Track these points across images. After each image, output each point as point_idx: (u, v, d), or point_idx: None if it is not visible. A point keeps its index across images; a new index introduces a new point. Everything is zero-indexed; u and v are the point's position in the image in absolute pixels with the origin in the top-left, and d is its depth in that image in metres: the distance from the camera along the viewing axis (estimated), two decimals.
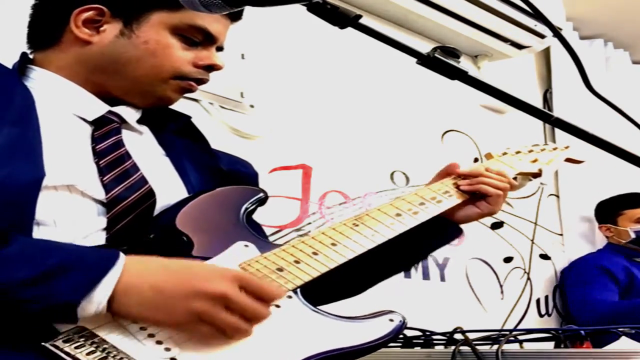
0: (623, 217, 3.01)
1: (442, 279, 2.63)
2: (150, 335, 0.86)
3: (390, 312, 1.02)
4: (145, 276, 0.87)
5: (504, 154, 1.48)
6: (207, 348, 0.87)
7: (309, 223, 2.23)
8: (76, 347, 0.81)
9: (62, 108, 1.09)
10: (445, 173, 1.37)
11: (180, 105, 1.98)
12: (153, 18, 1.12)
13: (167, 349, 0.85)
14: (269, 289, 0.93)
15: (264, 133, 2.19)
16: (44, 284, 0.82)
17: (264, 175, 2.17)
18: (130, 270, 0.87)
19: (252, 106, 2.18)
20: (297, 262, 1.02)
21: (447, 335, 1.51)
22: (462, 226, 1.39)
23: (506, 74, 3.02)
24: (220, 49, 1.20)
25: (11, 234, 0.87)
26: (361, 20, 0.87)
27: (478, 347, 1.39)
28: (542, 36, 2.80)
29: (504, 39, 2.78)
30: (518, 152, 1.49)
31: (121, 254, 0.88)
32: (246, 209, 1.13)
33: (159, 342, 0.86)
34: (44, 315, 0.83)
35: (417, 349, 1.54)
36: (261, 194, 1.18)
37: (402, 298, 2.40)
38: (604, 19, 3.34)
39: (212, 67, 1.18)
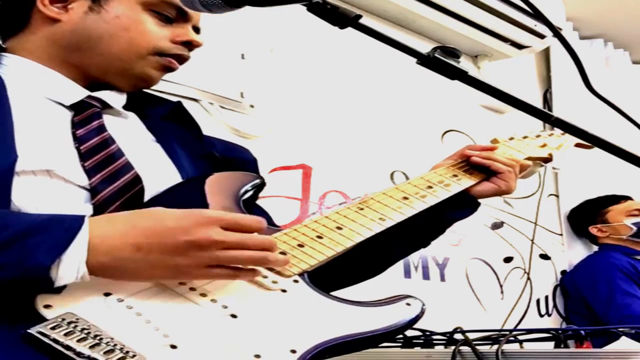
0: (611, 213, 3.01)
1: (442, 279, 2.62)
2: (135, 311, 0.81)
3: (408, 296, 0.97)
4: (125, 239, 0.82)
5: (511, 138, 1.46)
6: (210, 334, 0.83)
7: None
8: (65, 334, 0.75)
9: (35, 92, 1.05)
10: (459, 155, 1.36)
11: None
12: None
13: (166, 335, 0.80)
14: (248, 219, 0.88)
15: (264, 133, 2.19)
16: (11, 249, 0.78)
17: (264, 175, 2.17)
18: (102, 230, 0.82)
19: (252, 106, 2.18)
20: (301, 245, 0.99)
21: (447, 335, 1.51)
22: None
23: (506, 74, 3.02)
24: (196, 30, 1.17)
25: None
26: (361, 20, 0.88)
27: (478, 347, 1.39)
28: (542, 36, 2.80)
29: (504, 39, 2.78)
30: (525, 137, 1.47)
31: (87, 218, 0.83)
32: (243, 194, 1.09)
33: (148, 322, 0.81)
34: (18, 283, 0.78)
35: (417, 349, 1.54)
36: (257, 180, 1.14)
37: None
38: (604, 19, 3.34)
39: (190, 44, 1.15)
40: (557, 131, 1.50)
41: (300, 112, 2.32)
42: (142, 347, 0.77)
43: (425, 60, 0.89)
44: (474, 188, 1.31)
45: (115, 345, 0.76)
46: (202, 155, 1.18)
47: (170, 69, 1.15)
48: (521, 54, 2.92)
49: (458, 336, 1.47)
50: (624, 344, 1.41)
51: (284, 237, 1.00)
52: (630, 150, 0.90)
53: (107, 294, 0.83)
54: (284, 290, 0.92)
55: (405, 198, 1.18)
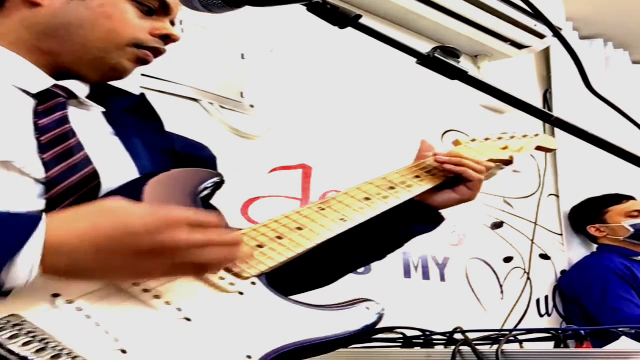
0: (611, 214, 3.00)
1: (442, 279, 2.62)
2: (84, 314, 0.78)
3: (367, 300, 0.95)
4: (84, 241, 0.78)
5: (473, 140, 1.45)
6: (162, 338, 0.79)
7: None
8: (9, 337, 0.71)
9: (3, 81, 1.01)
10: (420, 156, 1.33)
11: (180, 105, 1.99)
12: None
13: (116, 340, 0.77)
14: (212, 217, 0.86)
15: (264, 133, 2.19)
16: None
17: (264, 175, 2.17)
18: (60, 230, 0.78)
19: (252, 106, 2.17)
20: (260, 246, 0.96)
21: (447, 335, 1.51)
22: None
23: (506, 74, 3.02)
24: (172, 23, 1.16)
25: None
26: (361, 20, 0.88)
27: (478, 347, 1.39)
28: (542, 36, 2.80)
29: (504, 39, 2.78)
30: (487, 139, 1.46)
31: (44, 217, 0.79)
32: (201, 191, 1.04)
33: (97, 325, 0.77)
34: None
35: (417, 349, 1.54)
36: (217, 178, 1.09)
37: (402, 298, 2.40)
38: (604, 19, 3.34)
39: (168, 37, 1.13)
40: (519, 133, 1.49)
41: (300, 112, 2.32)
42: (90, 352, 0.74)
43: (425, 60, 0.89)
44: (436, 199, 1.29)
45: (62, 350, 0.73)
46: (163, 150, 1.15)
47: (145, 61, 1.12)
48: (521, 54, 2.92)
49: (458, 336, 1.47)
50: (624, 344, 1.41)
51: (243, 238, 0.97)
52: (630, 150, 0.90)
53: (55, 295, 0.80)
54: (241, 293, 0.90)
55: (367, 199, 1.16)
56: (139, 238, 0.80)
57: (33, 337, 0.72)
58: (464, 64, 0.89)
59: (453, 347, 1.42)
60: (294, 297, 0.93)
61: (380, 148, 2.51)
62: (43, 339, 0.73)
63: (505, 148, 1.43)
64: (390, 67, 2.49)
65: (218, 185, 1.09)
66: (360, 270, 2.30)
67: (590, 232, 3.07)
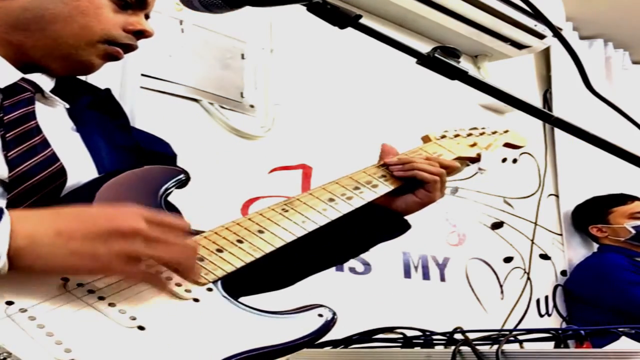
0: (614, 214, 2.99)
1: (442, 279, 2.62)
2: (37, 323, 0.77)
3: (320, 306, 0.93)
4: (45, 224, 0.79)
5: (443, 137, 1.41)
6: (114, 348, 0.78)
7: None
8: None
9: None
10: (382, 156, 1.30)
11: (180, 105, 1.99)
12: None
13: (59, 342, 0.75)
14: (175, 219, 0.86)
15: (264, 133, 2.19)
16: None
17: (264, 175, 2.17)
18: (22, 218, 0.78)
19: (252, 106, 2.18)
20: (219, 250, 0.95)
21: (447, 335, 1.51)
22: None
23: (506, 74, 3.02)
24: (147, 17, 1.13)
25: None
26: (361, 20, 0.88)
27: (478, 347, 1.39)
28: (542, 36, 2.80)
29: (504, 39, 2.78)
30: (457, 136, 1.43)
31: (5, 210, 0.78)
32: (165, 190, 1.02)
33: (49, 335, 0.76)
34: None
35: (417, 349, 1.54)
36: (182, 175, 1.06)
37: (402, 298, 2.40)
38: (604, 19, 3.34)
39: (141, 33, 1.09)
40: (488, 130, 1.46)
41: (300, 112, 2.32)
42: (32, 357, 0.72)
43: (425, 60, 0.89)
44: (399, 205, 1.25)
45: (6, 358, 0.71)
46: (125, 147, 1.12)
47: (115, 57, 1.09)
48: (521, 54, 2.92)
49: (458, 336, 1.47)
50: (624, 344, 1.41)
51: (203, 241, 0.96)
52: (630, 150, 0.90)
53: (9, 303, 0.78)
54: (196, 300, 0.89)
55: (331, 200, 1.14)
56: (96, 221, 0.80)
57: None
58: (464, 64, 0.89)
59: (453, 347, 1.41)
60: (248, 302, 0.93)
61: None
62: None
63: (473, 145, 1.41)
64: (390, 67, 2.49)
65: (182, 184, 1.06)
66: (360, 270, 2.30)
67: (592, 232, 3.06)
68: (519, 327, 2.78)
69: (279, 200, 1.13)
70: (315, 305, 0.93)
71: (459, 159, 1.36)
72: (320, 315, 0.92)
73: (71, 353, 0.75)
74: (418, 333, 1.57)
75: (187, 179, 1.06)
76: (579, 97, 2.98)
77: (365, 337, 1.67)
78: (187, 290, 0.89)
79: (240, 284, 0.96)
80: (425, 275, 2.57)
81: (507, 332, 1.46)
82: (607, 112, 1.00)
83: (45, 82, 1.06)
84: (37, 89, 1.03)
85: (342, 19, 0.87)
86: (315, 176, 2.29)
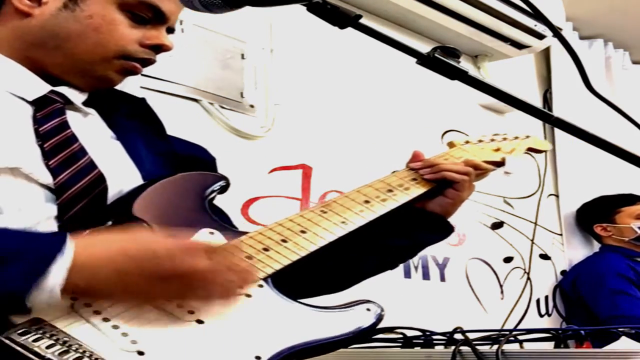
0: (621, 214, 2.99)
1: (442, 279, 2.62)
2: (106, 320, 0.81)
3: (367, 301, 0.97)
4: (105, 259, 0.81)
5: (467, 142, 1.46)
6: (177, 340, 0.83)
7: None
8: (34, 340, 0.74)
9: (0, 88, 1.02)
10: (411, 161, 1.34)
11: (180, 105, 1.99)
12: None
13: (134, 342, 0.80)
14: (240, 264, 0.89)
15: (264, 133, 2.19)
16: None
17: (264, 175, 2.17)
18: (84, 255, 0.80)
19: (252, 106, 2.18)
20: (266, 249, 0.98)
21: (447, 335, 1.51)
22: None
23: (506, 74, 3.02)
24: (170, 30, 1.14)
25: None
26: (361, 20, 0.87)
27: (478, 347, 1.39)
28: (542, 36, 2.80)
29: (504, 39, 2.78)
30: (480, 141, 1.47)
31: (69, 238, 0.81)
32: (208, 195, 1.07)
33: (115, 327, 0.81)
34: None
35: (417, 349, 1.54)
36: (223, 181, 1.11)
37: (402, 298, 2.40)
38: (604, 19, 3.34)
39: (159, 48, 1.10)
40: (511, 135, 1.50)
41: (300, 112, 2.32)
42: (109, 353, 0.77)
43: (425, 60, 0.89)
44: (434, 207, 1.27)
45: (84, 352, 0.75)
46: (164, 154, 1.15)
47: (133, 72, 1.11)
48: (521, 54, 2.92)
49: (458, 336, 1.47)
50: (624, 344, 1.41)
51: (249, 241, 0.99)
52: (630, 150, 0.90)
53: (74, 299, 0.82)
54: (248, 295, 0.92)
55: (367, 202, 1.18)
56: (160, 262, 0.82)
57: (55, 339, 0.75)
58: (464, 64, 0.89)
59: (453, 347, 1.42)
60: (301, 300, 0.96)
61: (381, 148, 2.51)
62: (65, 342, 0.75)
63: (497, 150, 1.44)
64: (390, 67, 2.49)
65: (223, 189, 1.11)
66: None
67: (596, 230, 3.06)
68: (519, 327, 2.78)
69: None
70: (363, 301, 0.97)
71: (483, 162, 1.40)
72: (369, 310, 0.95)
73: (137, 345, 0.79)
74: (418, 333, 1.57)
75: (227, 184, 1.11)
76: (579, 97, 2.98)
77: (365, 336, 1.67)
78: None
79: (292, 287, 0.99)
80: (425, 275, 2.57)
81: (507, 332, 1.46)
82: (607, 112, 1.00)
83: (76, 95, 1.08)
84: (67, 100, 1.06)
85: (342, 19, 0.87)
86: (315, 176, 2.29)
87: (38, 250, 0.79)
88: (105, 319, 0.81)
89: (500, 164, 1.42)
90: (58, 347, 0.74)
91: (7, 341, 0.73)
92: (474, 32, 2.69)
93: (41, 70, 1.06)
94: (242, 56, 2.17)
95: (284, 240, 1.02)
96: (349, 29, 0.88)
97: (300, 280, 1.03)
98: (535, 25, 2.74)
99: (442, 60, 0.89)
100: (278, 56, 2.28)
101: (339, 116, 2.42)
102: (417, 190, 1.25)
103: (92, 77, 1.08)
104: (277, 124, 2.23)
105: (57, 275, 0.78)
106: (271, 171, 2.19)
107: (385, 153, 2.51)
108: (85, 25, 1.04)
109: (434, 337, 1.55)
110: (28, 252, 0.79)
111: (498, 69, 2.97)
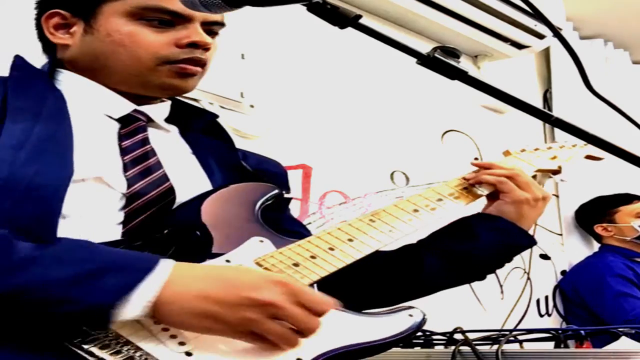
0: (621, 213, 2.99)
1: None
2: (173, 337, 0.84)
3: (410, 307, 1.01)
4: (190, 284, 0.84)
5: (522, 150, 1.47)
6: (222, 343, 0.85)
7: (309, 223, 2.23)
8: (101, 347, 0.79)
9: (92, 108, 1.10)
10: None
11: None
12: (105, 10, 1.09)
13: (182, 343, 0.83)
14: (320, 299, 0.89)
15: (264, 133, 2.19)
16: (80, 286, 0.80)
17: None
18: (175, 277, 0.84)
19: (252, 106, 2.18)
20: (313, 257, 1.01)
21: (447, 335, 1.51)
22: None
23: (506, 74, 3.02)
24: (211, 24, 1.14)
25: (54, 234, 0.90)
26: (361, 20, 0.87)
27: (478, 347, 1.39)
28: (542, 36, 2.80)
29: (504, 39, 2.78)
30: (536, 149, 1.49)
31: (162, 260, 0.85)
32: (261, 204, 1.11)
33: (173, 337, 0.84)
34: (76, 317, 0.80)
35: (417, 349, 1.54)
36: (276, 191, 1.15)
37: None
38: (604, 19, 3.34)
39: (196, 45, 1.11)
40: (568, 143, 1.51)
41: (300, 112, 2.32)
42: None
43: (425, 60, 0.89)
44: (505, 213, 1.27)
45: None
46: (234, 168, 1.20)
47: (188, 74, 1.13)
48: (521, 54, 2.93)
49: (458, 336, 1.47)
50: (624, 344, 1.41)
51: (297, 249, 1.02)
52: (630, 150, 0.90)
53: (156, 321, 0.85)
54: None
55: (416, 210, 1.19)
56: (243, 289, 0.84)
57: (120, 347, 0.80)
58: (464, 64, 0.89)
59: (453, 347, 1.42)
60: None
61: (381, 148, 2.51)
62: (129, 349, 0.80)
63: (554, 158, 1.46)
64: (390, 67, 2.49)
65: (277, 198, 1.15)
66: None
67: (597, 231, 3.05)
68: (519, 327, 2.78)
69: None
70: (406, 307, 1.01)
71: (539, 171, 1.42)
72: (411, 316, 1.00)
73: (185, 346, 0.83)
74: (418, 333, 1.57)
75: (280, 195, 1.15)
76: (579, 97, 2.98)
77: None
78: None
79: (363, 297, 1.06)
80: None
81: (507, 332, 1.46)
82: (607, 112, 1.00)
83: (158, 113, 1.16)
84: (148, 118, 1.13)
85: (342, 19, 0.87)
86: (315, 176, 2.29)
87: (131, 267, 0.83)
88: (165, 329, 0.84)
89: (556, 172, 1.44)
90: (124, 353, 0.79)
91: (79, 351, 0.78)
92: (474, 32, 2.70)
93: (115, 90, 1.12)
94: (242, 56, 2.17)
95: (331, 249, 1.04)
96: (349, 29, 0.88)
97: (366, 292, 1.09)
98: (535, 25, 2.74)
99: (442, 60, 0.89)
100: (278, 56, 2.28)
101: (339, 116, 2.42)
102: (467, 199, 1.27)
103: (154, 87, 1.12)
104: (277, 124, 2.23)
105: (145, 292, 0.81)
106: None
107: (386, 153, 2.52)
108: (109, 43, 1.09)
109: (434, 337, 1.55)
110: (121, 268, 0.83)
111: (498, 69, 2.97)
